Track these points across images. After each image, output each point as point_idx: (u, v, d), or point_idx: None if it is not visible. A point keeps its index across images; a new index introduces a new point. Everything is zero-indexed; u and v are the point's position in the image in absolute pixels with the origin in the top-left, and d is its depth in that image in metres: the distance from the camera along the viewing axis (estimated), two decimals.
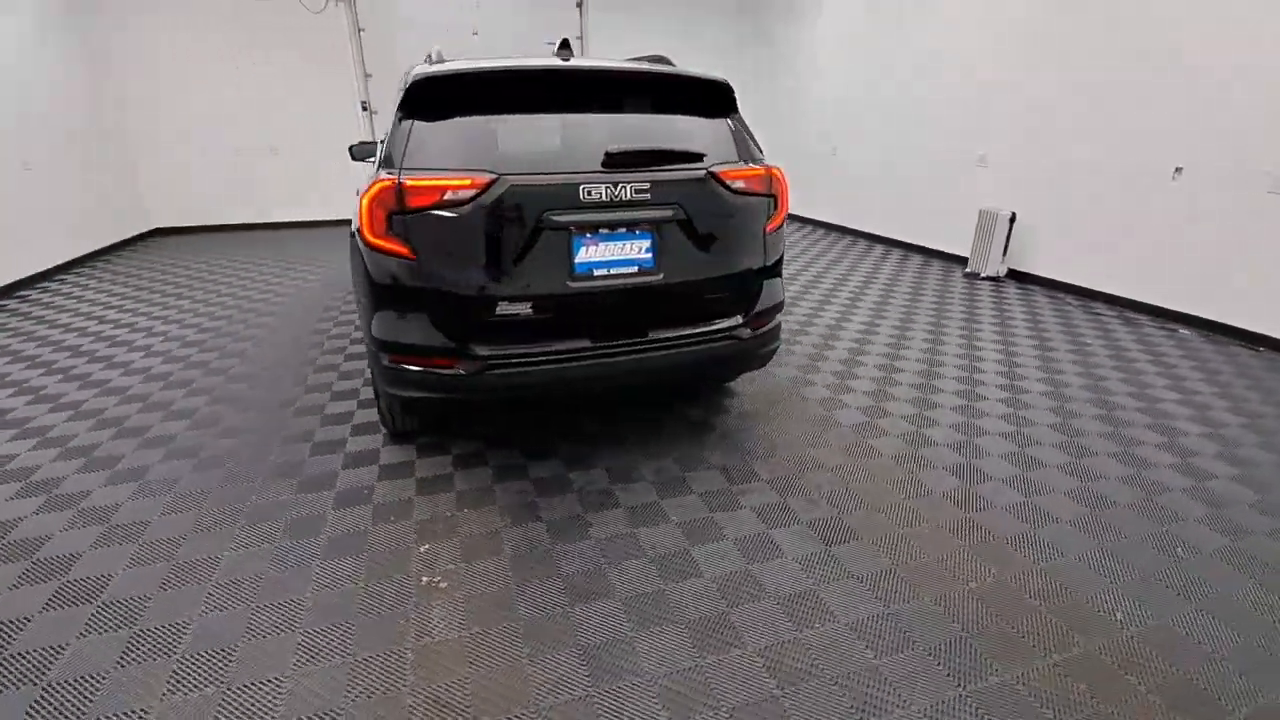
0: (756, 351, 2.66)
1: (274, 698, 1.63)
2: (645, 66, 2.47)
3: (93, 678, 1.69)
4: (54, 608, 1.93)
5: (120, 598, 1.97)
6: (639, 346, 2.35)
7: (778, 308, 2.72)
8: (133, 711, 1.60)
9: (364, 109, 8.48)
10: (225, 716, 1.58)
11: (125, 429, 3.01)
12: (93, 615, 1.90)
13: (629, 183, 2.21)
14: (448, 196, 2.08)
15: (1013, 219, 5.54)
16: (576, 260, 2.22)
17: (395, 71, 8.28)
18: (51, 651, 1.78)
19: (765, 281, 2.64)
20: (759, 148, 2.60)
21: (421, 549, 2.16)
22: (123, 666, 1.72)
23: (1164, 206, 4.65)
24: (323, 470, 2.62)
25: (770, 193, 2.56)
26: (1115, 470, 2.63)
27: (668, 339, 2.39)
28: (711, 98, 2.53)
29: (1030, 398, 3.34)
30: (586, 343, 2.29)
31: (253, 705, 1.61)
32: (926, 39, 6.67)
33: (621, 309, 2.36)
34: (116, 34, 7.35)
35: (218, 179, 8.21)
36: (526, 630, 1.83)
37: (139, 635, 1.83)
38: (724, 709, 1.59)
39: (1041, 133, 5.48)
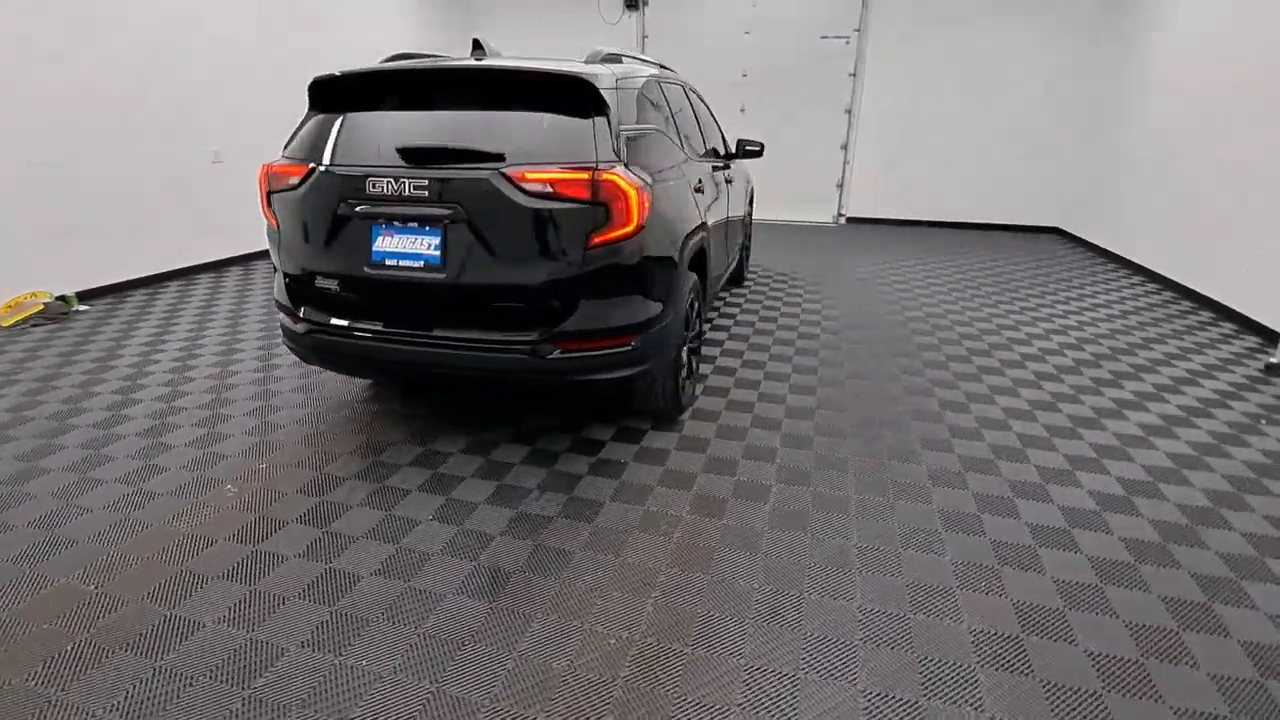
0: (567, 376, 2.34)
1: None
2: (502, 64, 2.35)
3: None
4: None
5: None
6: (426, 341, 2.34)
7: (610, 333, 2.33)
8: None
9: None
10: None
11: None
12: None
13: (409, 179, 2.22)
14: (287, 181, 2.43)
15: None
16: (374, 248, 2.33)
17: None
18: None
19: (585, 300, 2.29)
20: (679, 153, 2.28)
21: None
22: None
23: None
24: None
25: (596, 201, 2.20)
26: None
27: (453, 339, 2.32)
28: (574, 96, 2.30)
29: None
30: (380, 326, 2.40)
31: None
32: None
33: (409, 301, 2.38)
34: None
35: None
36: None
37: None
38: None
39: None
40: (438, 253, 2.26)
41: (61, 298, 4.77)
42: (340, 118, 2.44)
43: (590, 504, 2.40)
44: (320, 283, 2.46)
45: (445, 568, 2.07)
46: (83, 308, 4.84)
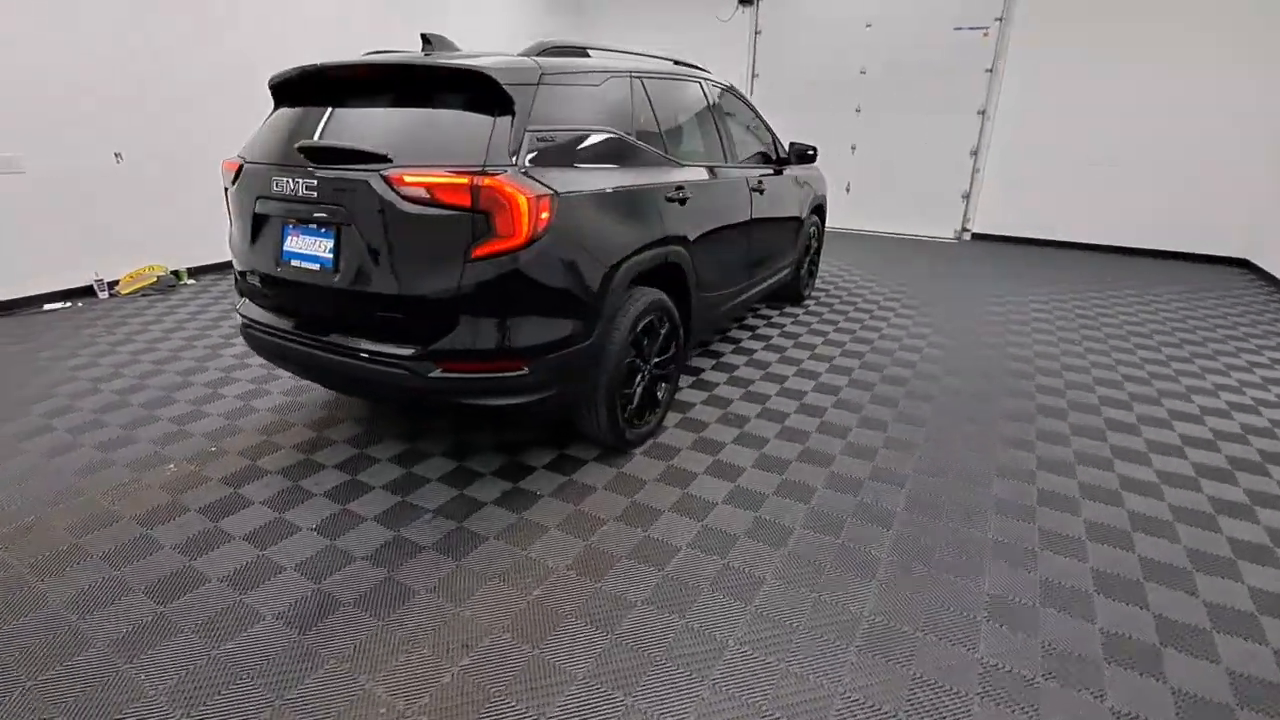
0: (450, 397, 2.13)
1: None
2: (406, 58, 2.16)
3: None
4: None
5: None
6: (321, 346, 2.25)
7: (495, 355, 2.08)
8: None
9: None
10: None
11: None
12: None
13: (302, 179, 2.12)
14: (229, 177, 2.47)
15: None
16: (284, 247, 2.29)
17: (782, 73, 8.35)
18: None
19: (465, 317, 2.06)
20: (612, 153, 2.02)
21: None
22: None
23: None
24: None
25: (477, 209, 1.95)
26: None
27: (344, 347, 2.20)
28: (477, 93, 2.08)
29: None
30: (289, 326, 2.35)
31: None
32: None
33: (310, 303, 2.30)
34: None
35: None
36: None
37: None
38: None
39: None
40: (331, 256, 2.16)
41: (174, 273, 5.45)
42: (274, 114, 2.44)
43: (472, 538, 2.19)
44: (249, 278, 2.48)
45: (285, 586, 1.97)
46: (190, 282, 5.50)
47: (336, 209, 2.09)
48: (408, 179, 1.95)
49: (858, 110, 8.10)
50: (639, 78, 2.75)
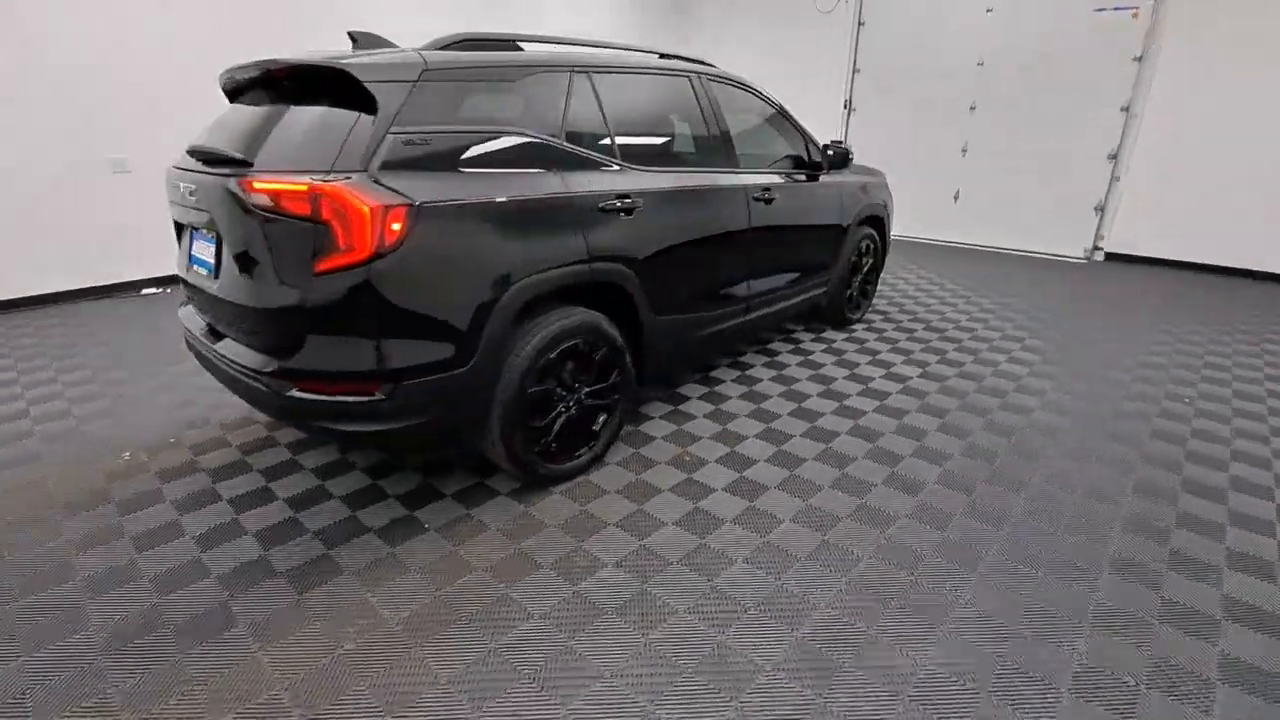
0: (309, 419, 1.95)
1: None
2: (280, 58, 2.00)
3: None
4: None
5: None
6: (216, 355, 2.20)
7: (345, 377, 1.88)
8: None
9: (844, 107, 8.14)
10: None
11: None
12: None
13: (183, 182, 2.06)
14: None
15: None
16: (191, 251, 2.26)
17: (885, 67, 7.56)
18: None
19: (313, 335, 1.87)
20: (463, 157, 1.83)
21: None
22: None
23: None
24: None
25: (318, 219, 1.76)
26: None
27: (225, 358, 2.12)
28: (342, 91, 1.90)
29: None
30: (199, 332, 2.32)
31: None
32: None
33: (206, 309, 2.25)
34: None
35: None
36: None
37: None
38: None
39: None
40: (213, 262, 2.10)
41: None
42: (229, 112, 2.43)
43: (327, 571, 2.04)
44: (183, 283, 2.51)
45: (132, 594, 1.93)
46: None
47: (207, 213, 2.02)
48: (256, 185, 1.82)
49: (972, 108, 7.10)
50: (584, 72, 2.45)
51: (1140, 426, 3.05)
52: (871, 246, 4.37)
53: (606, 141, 2.48)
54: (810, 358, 3.86)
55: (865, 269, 4.39)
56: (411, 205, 1.84)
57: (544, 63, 2.31)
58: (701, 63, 3.18)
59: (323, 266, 1.80)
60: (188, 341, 2.50)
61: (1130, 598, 1.95)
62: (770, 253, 3.33)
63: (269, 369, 1.95)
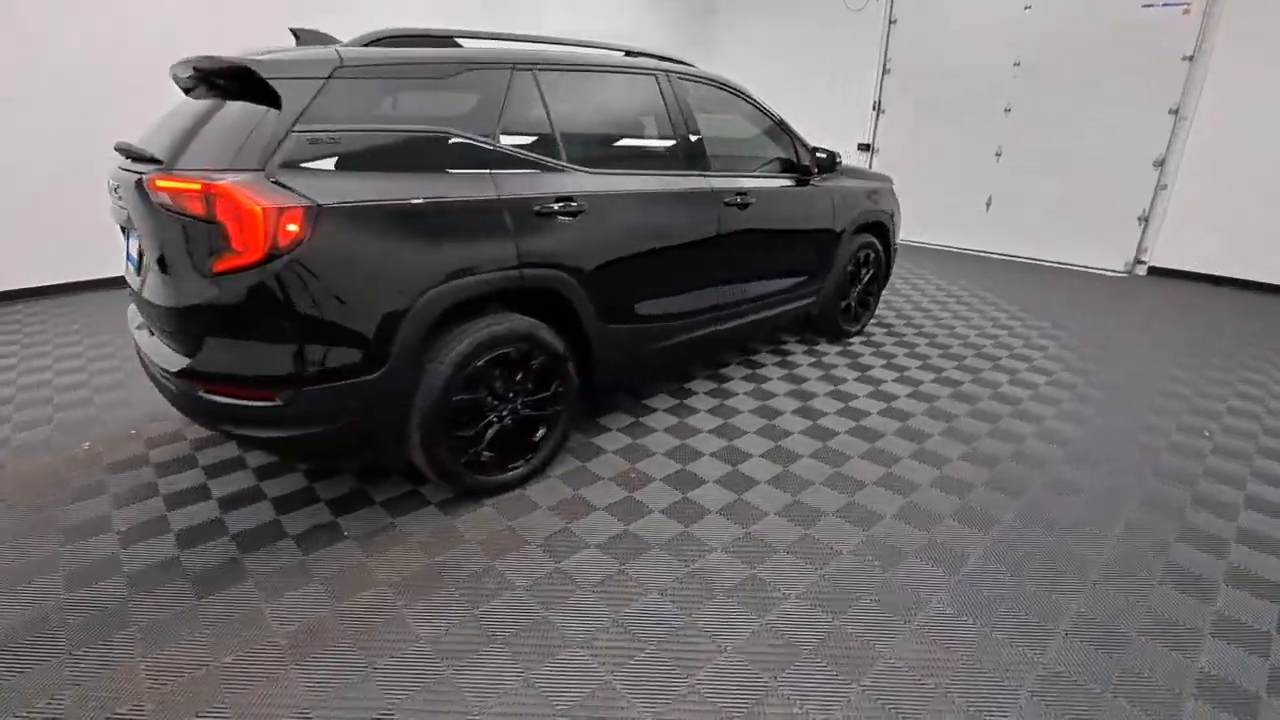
0: (218, 422, 1.92)
1: None
2: (199, 56, 1.95)
3: None
4: None
5: None
6: (142, 352, 2.18)
7: (239, 381, 1.83)
8: None
9: (874, 108, 7.82)
10: None
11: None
12: None
13: (114, 179, 2.05)
14: None
15: None
16: (127, 248, 2.26)
17: (917, 67, 7.23)
18: None
19: (210, 337, 1.83)
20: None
21: None
22: None
23: None
24: None
25: (212, 219, 1.71)
26: None
27: (148, 355, 2.11)
28: (248, 88, 1.85)
29: None
30: (136, 331, 2.32)
31: None
32: None
33: (139, 307, 2.24)
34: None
35: None
36: None
37: None
38: None
39: None
40: (137, 259, 2.09)
41: None
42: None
43: (231, 577, 2.00)
44: None
45: (38, 591, 1.93)
46: None
47: (125, 211, 2.01)
48: (158, 183, 1.79)
49: (1007, 110, 6.72)
50: (528, 70, 2.35)
51: (1153, 457, 2.77)
52: (873, 255, 4.14)
53: (551, 142, 2.38)
54: (794, 371, 3.67)
55: (865, 279, 4.17)
56: (310, 206, 1.78)
57: (478, 60, 2.22)
58: (678, 61, 3.04)
59: (219, 267, 1.76)
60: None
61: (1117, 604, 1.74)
62: (746, 260, 3.17)
63: (177, 369, 1.92)
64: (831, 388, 3.46)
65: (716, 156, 3.02)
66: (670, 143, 2.85)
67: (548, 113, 2.38)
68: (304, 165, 1.82)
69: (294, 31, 2.32)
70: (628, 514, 2.33)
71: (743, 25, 8.72)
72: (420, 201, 1.98)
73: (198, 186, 1.72)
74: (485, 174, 2.15)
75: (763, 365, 3.76)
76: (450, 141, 2.10)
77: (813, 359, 3.88)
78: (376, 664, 1.69)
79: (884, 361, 3.86)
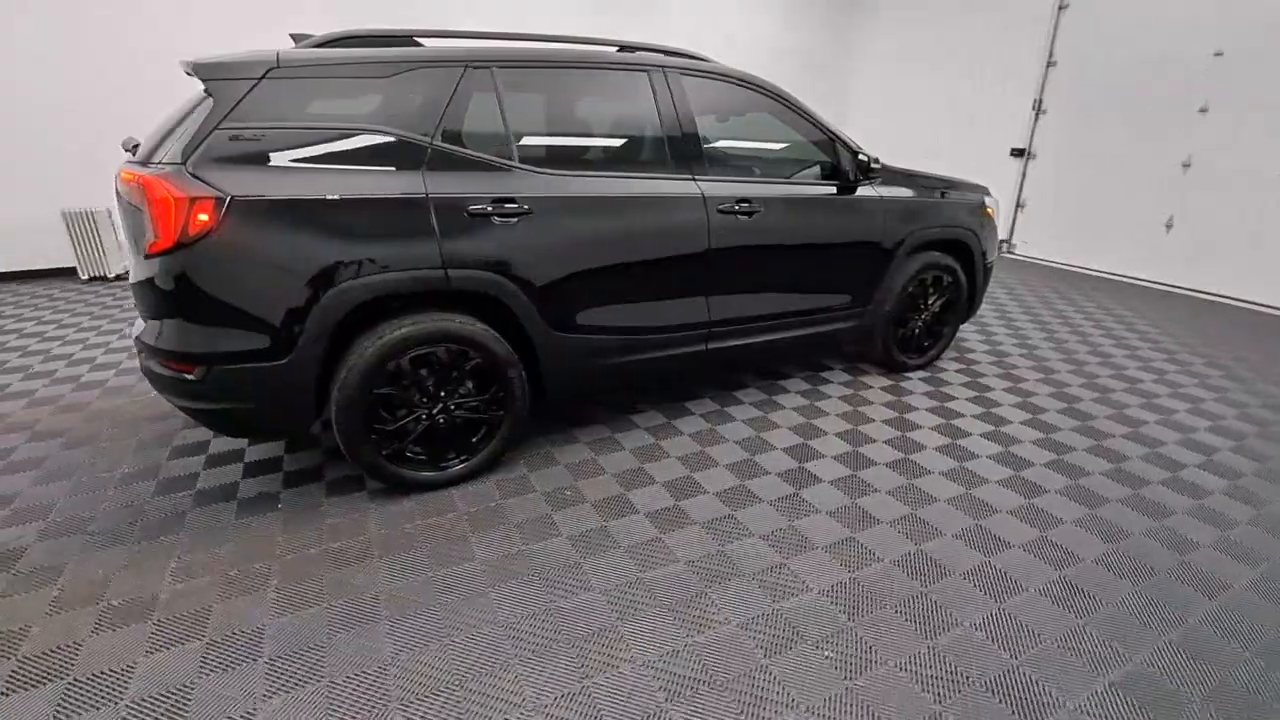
0: (161, 391, 2.12)
1: None
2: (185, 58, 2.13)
3: None
4: None
5: None
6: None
7: (170, 355, 2.00)
8: None
9: (1033, 108, 6.73)
10: None
11: None
12: None
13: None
14: None
15: None
16: None
17: (1091, 60, 6.13)
18: None
19: (151, 315, 2.04)
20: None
21: None
22: None
23: None
24: None
25: (142, 207, 1.88)
26: None
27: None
28: (201, 87, 2.01)
29: None
30: None
31: None
32: None
33: None
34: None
35: None
36: None
37: None
38: None
39: None
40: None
41: None
42: None
43: (254, 505, 2.22)
44: None
45: None
46: None
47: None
48: (124, 174, 2.02)
49: (1202, 110, 5.42)
50: (485, 68, 2.30)
51: None
52: (947, 280, 3.55)
53: (502, 141, 2.32)
54: (818, 404, 3.26)
55: (934, 305, 3.59)
56: (220, 198, 1.89)
57: (425, 59, 2.22)
58: (693, 57, 2.82)
59: (150, 250, 1.95)
60: None
61: None
62: (748, 274, 2.87)
63: (134, 337, 2.17)
64: (848, 427, 3.02)
65: (719, 161, 2.77)
66: (654, 144, 2.65)
67: (502, 111, 2.32)
68: (227, 160, 1.95)
69: (293, 36, 2.49)
70: (536, 535, 2.22)
71: (887, 20, 7.98)
72: (334, 198, 2.03)
73: (133, 178, 1.91)
74: (416, 173, 2.15)
75: (786, 391, 3.39)
76: (379, 139, 2.13)
77: (848, 390, 3.41)
78: (201, 637, 1.77)
79: (935, 404, 3.29)
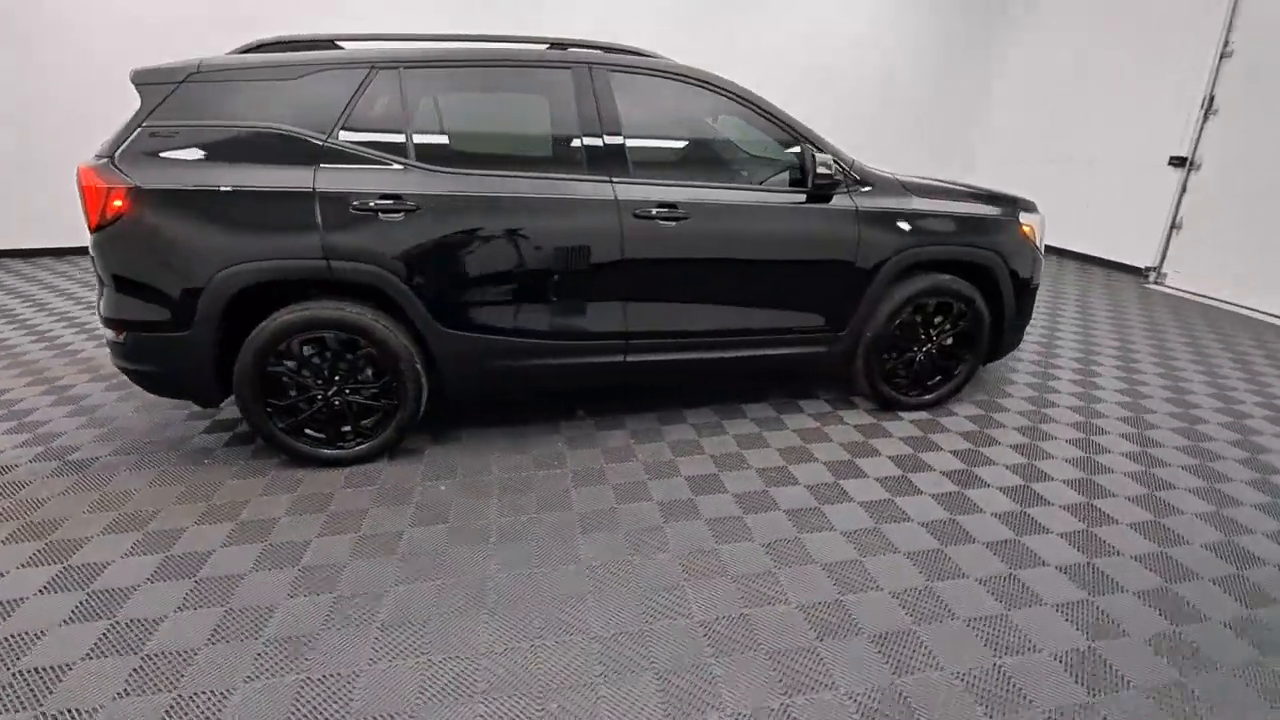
0: (109, 348, 2.46)
1: None
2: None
3: None
4: None
5: None
6: None
7: (109, 323, 2.34)
8: None
9: (1201, 107, 5.48)
10: None
11: None
12: None
13: None
14: None
15: None
16: None
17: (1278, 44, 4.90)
18: None
19: (101, 280, 2.36)
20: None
21: None
22: None
23: None
24: None
25: (82, 194, 2.21)
26: None
27: None
28: None
29: None
30: None
31: None
32: None
33: None
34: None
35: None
36: None
37: None
38: None
39: None
40: None
41: None
42: None
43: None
44: None
45: None
46: None
47: None
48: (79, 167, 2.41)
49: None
50: (393, 68, 2.39)
51: None
52: (958, 308, 3.04)
53: (400, 140, 2.40)
54: (766, 433, 2.96)
55: (938, 338, 3.09)
56: (132, 187, 2.18)
57: (333, 61, 2.36)
58: (636, 53, 2.70)
59: (89, 229, 2.30)
60: None
61: None
62: (675, 285, 2.69)
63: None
64: (774, 473, 2.71)
65: (648, 163, 2.61)
66: (567, 144, 2.57)
67: (404, 111, 2.40)
68: (146, 154, 2.24)
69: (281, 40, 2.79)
70: (390, 526, 2.28)
71: (1041, 8, 6.96)
72: (227, 189, 2.24)
73: (78, 169, 2.27)
74: (308, 168, 2.31)
75: (746, 417, 3.12)
76: (277, 136, 2.31)
77: (812, 423, 3.06)
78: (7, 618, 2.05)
79: (910, 450, 2.84)
